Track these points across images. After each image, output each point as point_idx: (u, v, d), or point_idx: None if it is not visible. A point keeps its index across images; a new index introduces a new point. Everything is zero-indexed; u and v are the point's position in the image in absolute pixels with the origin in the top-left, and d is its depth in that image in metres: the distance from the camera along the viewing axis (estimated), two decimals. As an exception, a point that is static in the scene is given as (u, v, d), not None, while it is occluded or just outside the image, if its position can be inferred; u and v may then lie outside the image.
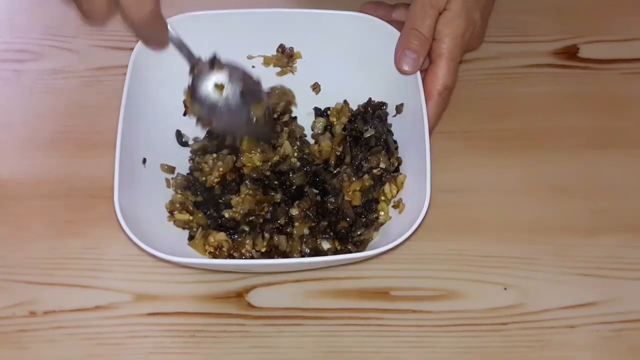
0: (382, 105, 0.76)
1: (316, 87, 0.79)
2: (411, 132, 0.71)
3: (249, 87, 0.67)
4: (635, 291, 0.71)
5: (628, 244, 0.73)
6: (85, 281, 0.71)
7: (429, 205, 0.64)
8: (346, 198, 0.71)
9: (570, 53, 0.84)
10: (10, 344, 0.68)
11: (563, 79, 0.83)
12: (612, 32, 0.86)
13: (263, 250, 0.69)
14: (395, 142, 0.75)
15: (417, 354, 0.68)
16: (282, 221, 0.70)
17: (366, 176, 0.72)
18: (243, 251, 0.69)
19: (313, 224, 0.70)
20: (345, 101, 0.77)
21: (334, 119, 0.77)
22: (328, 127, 0.77)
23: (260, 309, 0.70)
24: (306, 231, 0.70)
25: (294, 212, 0.71)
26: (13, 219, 0.74)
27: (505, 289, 0.71)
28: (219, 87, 0.65)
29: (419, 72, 0.71)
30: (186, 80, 0.68)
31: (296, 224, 0.70)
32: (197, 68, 0.66)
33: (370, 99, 0.77)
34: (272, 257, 0.69)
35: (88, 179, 0.76)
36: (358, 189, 0.71)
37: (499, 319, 0.70)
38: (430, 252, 0.72)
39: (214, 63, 0.65)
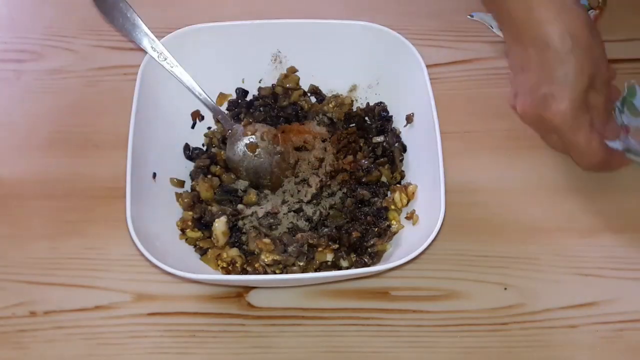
0: (379, 104, 0.77)
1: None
2: (422, 142, 0.71)
3: (277, 150, 0.73)
4: (635, 291, 0.71)
5: (628, 244, 0.73)
6: (85, 281, 0.71)
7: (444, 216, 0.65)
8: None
9: (570, 53, 0.84)
10: (10, 344, 0.68)
11: (563, 79, 0.83)
12: (612, 32, 0.85)
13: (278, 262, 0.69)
14: (405, 149, 0.75)
15: (417, 354, 0.68)
16: (304, 249, 0.69)
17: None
18: (256, 266, 0.69)
19: (335, 247, 0.69)
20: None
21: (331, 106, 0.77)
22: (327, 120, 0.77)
23: (260, 309, 0.70)
24: (329, 257, 0.69)
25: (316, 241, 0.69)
26: (13, 219, 0.74)
27: (505, 289, 0.71)
28: (251, 146, 0.72)
29: (428, 80, 0.71)
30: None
31: (319, 248, 0.69)
32: (233, 130, 0.73)
33: (368, 103, 0.77)
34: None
35: (88, 179, 0.75)
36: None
37: (499, 319, 0.70)
38: (430, 252, 0.72)
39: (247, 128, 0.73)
